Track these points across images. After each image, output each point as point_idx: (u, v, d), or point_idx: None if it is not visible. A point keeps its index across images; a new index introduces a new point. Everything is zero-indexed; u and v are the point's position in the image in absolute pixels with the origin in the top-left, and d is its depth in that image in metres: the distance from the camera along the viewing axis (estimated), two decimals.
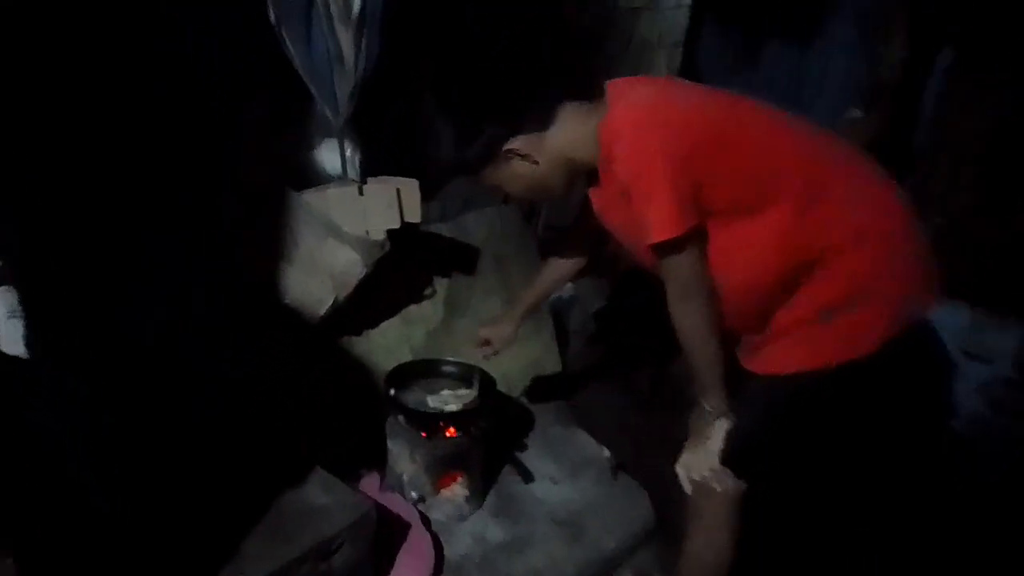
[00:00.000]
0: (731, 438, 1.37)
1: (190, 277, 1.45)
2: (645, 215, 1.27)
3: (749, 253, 1.30)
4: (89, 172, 1.26)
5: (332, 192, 1.81)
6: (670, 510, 1.90)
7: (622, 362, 2.64)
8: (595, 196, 1.50)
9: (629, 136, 1.27)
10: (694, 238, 1.28)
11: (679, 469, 1.45)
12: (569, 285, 2.74)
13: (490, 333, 1.89)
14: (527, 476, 2.02)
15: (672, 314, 1.34)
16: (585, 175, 1.48)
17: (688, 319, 1.33)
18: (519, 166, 1.44)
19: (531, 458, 2.10)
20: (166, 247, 1.40)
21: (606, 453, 2.10)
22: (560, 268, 1.84)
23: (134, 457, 1.31)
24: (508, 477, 2.03)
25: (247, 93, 1.61)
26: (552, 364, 2.54)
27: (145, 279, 1.37)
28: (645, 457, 2.22)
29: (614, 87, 1.38)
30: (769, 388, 1.38)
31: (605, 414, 2.41)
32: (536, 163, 1.43)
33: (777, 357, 1.36)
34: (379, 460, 1.90)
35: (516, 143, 1.42)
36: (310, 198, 1.79)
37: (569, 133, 1.41)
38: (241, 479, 1.50)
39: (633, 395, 2.51)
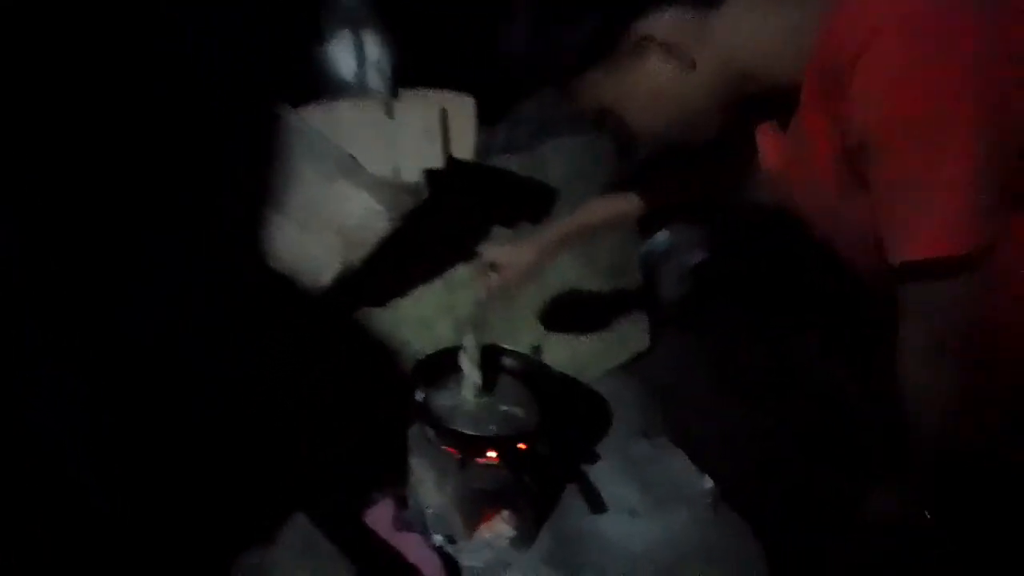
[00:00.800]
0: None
1: (190, 277, 1.36)
2: (907, 203, 0.68)
3: None
4: (89, 172, 1.24)
5: (346, 110, 1.32)
6: (783, 556, 1.49)
7: (731, 342, 2.04)
8: (773, 143, 0.88)
9: (896, 44, 0.64)
10: (985, 255, 0.69)
11: None
12: (664, 232, 2.17)
13: (499, 256, 1.36)
14: (596, 505, 1.53)
15: (913, 372, 0.80)
16: (761, 101, 0.84)
17: (942, 386, 0.79)
18: (659, 70, 0.81)
19: (603, 478, 1.60)
20: (166, 247, 1.34)
21: (707, 484, 1.58)
22: (635, 201, 1.27)
23: (134, 457, 1.29)
24: (571, 503, 1.55)
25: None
26: (637, 341, 2.02)
27: (145, 279, 1.33)
28: (754, 480, 1.73)
29: None
30: None
31: (703, 415, 1.88)
32: (691, 66, 0.81)
33: None
34: (402, 473, 1.46)
35: (658, 26, 0.79)
36: (313, 119, 1.30)
37: (758, 20, 0.78)
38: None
39: (744, 390, 1.95)
